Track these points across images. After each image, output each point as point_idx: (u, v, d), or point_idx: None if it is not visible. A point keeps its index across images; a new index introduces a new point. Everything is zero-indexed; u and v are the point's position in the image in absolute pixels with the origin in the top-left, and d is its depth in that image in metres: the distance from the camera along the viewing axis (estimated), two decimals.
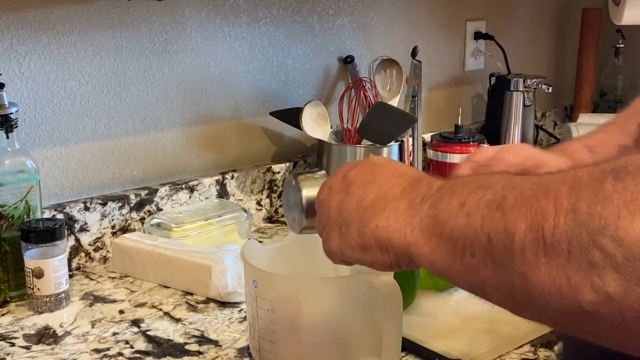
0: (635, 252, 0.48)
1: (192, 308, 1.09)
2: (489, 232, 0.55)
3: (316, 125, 1.48)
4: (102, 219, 1.26)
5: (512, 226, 0.54)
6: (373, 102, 1.51)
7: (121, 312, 1.08)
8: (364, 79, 1.55)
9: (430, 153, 1.68)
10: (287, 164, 1.51)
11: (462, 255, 0.58)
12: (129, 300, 1.12)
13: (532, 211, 0.53)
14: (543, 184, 0.54)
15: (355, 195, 0.69)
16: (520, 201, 0.54)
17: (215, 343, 0.98)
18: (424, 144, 1.70)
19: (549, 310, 0.53)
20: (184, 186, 1.36)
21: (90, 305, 1.10)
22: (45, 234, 1.07)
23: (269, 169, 1.48)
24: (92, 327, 1.03)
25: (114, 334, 1.01)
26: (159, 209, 1.33)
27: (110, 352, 0.96)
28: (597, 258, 0.49)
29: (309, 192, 0.78)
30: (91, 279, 1.20)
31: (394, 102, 1.53)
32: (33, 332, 1.02)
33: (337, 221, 0.70)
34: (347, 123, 1.50)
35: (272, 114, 1.49)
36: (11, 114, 1.08)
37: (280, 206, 1.51)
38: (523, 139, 1.85)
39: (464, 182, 0.61)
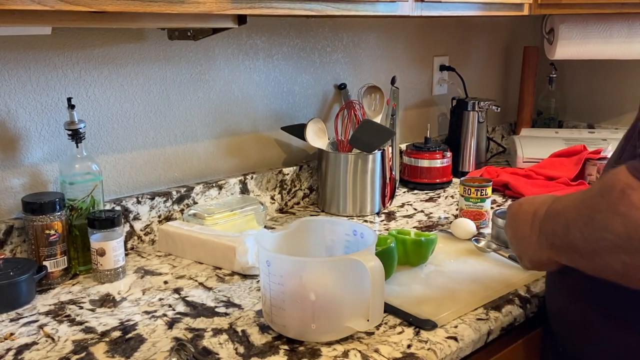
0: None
1: (221, 279, 1.09)
2: (571, 245, 0.73)
3: (317, 137, 1.47)
4: (151, 210, 1.25)
5: (574, 238, 0.72)
6: (361, 119, 1.50)
7: (165, 282, 1.08)
8: (354, 101, 1.55)
9: (405, 159, 1.69)
10: (294, 168, 1.51)
11: (569, 256, 0.76)
12: (172, 273, 1.12)
13: (578, 227, 0.71)
14: (577, 209, 0.71)
15: (512, 233, 0.90)
16: (572, 222, 0.72)
17: (239, 307, 0.98)
18: (401, 152, 1.70)
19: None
20: (214, 185, 1.36)
21: (142, 277, 1.10)
22: (106, 221, 1.06)
23: (280, 172, 1.48)
24: (143, 294, 1.03)
25: (160, 299, 1.01)
26: (195, 202, 1.32)
27: (157, 314, 0.95)
28: (608, 244, 0.68)
29: None
30: (142, 256, 1.20)
31: (377, 119, 1.53)
32: (97, 298, 1.02)
33: (514, 248, 0.91)
34: (341, 136, 1.50)
35: (283, 128, 1.49)
36: (80, 128, 1.08)
37: (290, 199, 1.50)
38: (477, 148, 1.85)
39: (550, 213, 0.79)
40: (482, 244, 1.20)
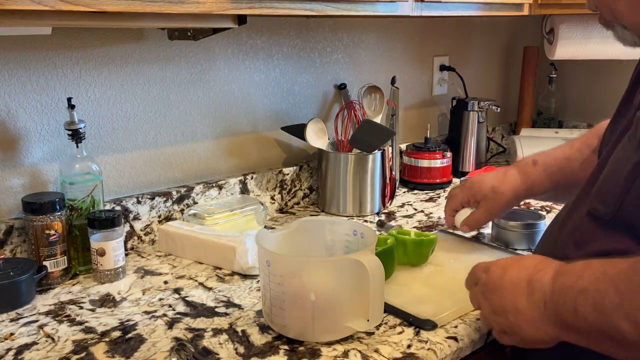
0: None
1: (221, 279, 1.09)
2: (607, 333, 0.62)
3: (317, 137, 1.47)
4: (151, 210, 1.25)
5: (618, 328, 0.60)
6: (361, 119, 1.50)
7: (165, 282, 1.08)
8: (354, 101, 1.55)
9: (405, 159, 1.69)
10: (295, 168, 1.51)
11: (597, 342, 0.65)
12: (172, 274, 1.12)
13: (627, 315, 0.59)
14: (624, 292, 0.60)
15: (498, 306, 0.75)
16: (616, 307, 0.60)
17: (239, 307, 0.98)
18: (401, 152, 1.70)
19: None
20: (214, 185, 1.36)
21: (142, 277, 1.10)
22: (106, 221, 1.06)
23: (280, 172, 1.48)
24: (143, 294, 1.03)
25: (160, 299, 1.01)
26: (195, 203, 1.32)
27: (157, 314, 0.95)
28: None
29: None
30: (142, 256, 1.20)
31: (377, 119, 1.53)
32: (97, 298, 1.02)
33: (497, 323, 0.77)
34: (341, 136, 1.50)
35: (283, 128, 1.48)
36: (80, 128, 1.08)
37: (290, 199, 1.50)
38: (478, 148, 1.85)
39: (567, 287, 0.67)
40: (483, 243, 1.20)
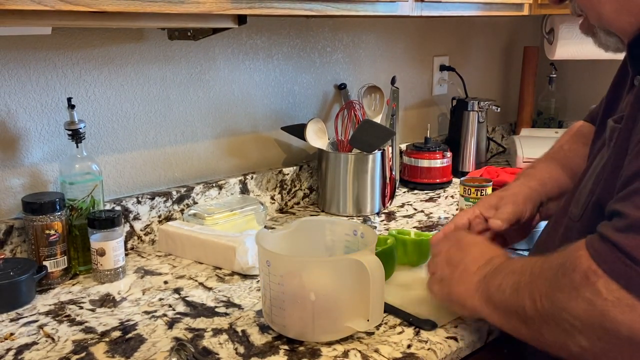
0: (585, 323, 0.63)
1: (221, 279, 1.09)
2: (515, 308, 0.71)
3: (317, 137, 1.47)
4: (151, 210, 1.25)
5: (523, 303, 0.69)
6: (361, 120, 1.50)
7: (165, 282, 1.08)
8: (354, 101, 1.55)
9: (405, 159, 1.69)
10: (294, 168, 1.51)
11: (506, 317, 0.73)
12: (172, 273, 1.12)
13: (531, 293, 0.68)
14: (535, 276, 0.69)
15: (454, 259, 0.84)
16: (526, 285, 0.70)
17: (239, 307, 0.98)
18: (401, 152, 1.70)
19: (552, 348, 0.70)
20: (214, 185, 1.36)
21: (142, 277, 1.10)
22: (106, 221, 1.06)
23: (280, 172, 1.48)
24: (143, 294, 1.03)
25: (160, 299, 1.01)
26: (195, 203, 1.32)
27: (157, 314, 0.95)
28: (565, 325, 0.65)
29: None
30: (142, 256, 1.20)
31: (378, 119, 1.53)
32: (97, 298, 1.02)
33: (441, 271, 0.85)
34: (341, 136, 1.50)
35: (283, 128, 1.49)
36: (80, 128, 1.08)
37: (290, 199, 1.50)
38: (478, 148, 1.85)
39: (503, 267, 0.76)
40: None
